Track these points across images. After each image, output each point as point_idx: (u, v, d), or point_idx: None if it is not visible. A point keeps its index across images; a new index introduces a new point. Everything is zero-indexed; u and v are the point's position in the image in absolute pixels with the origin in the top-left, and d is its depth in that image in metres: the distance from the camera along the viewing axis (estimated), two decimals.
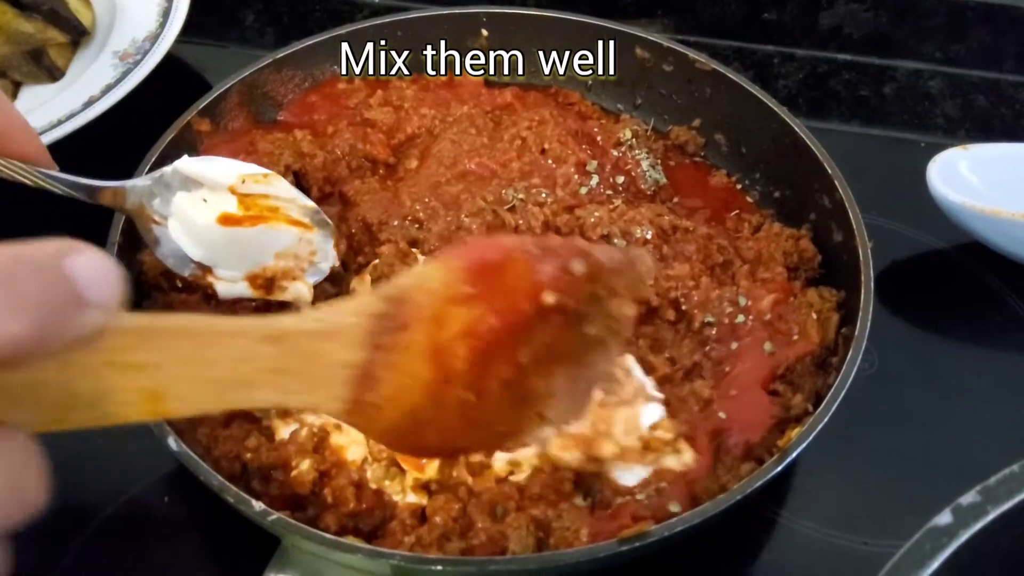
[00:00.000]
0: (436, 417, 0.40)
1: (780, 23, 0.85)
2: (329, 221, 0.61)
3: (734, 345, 0.59)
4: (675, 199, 0.70)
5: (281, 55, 0.72)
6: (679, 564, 0.56)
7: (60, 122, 0.69)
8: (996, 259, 0.70)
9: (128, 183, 0.56)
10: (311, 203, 0.60)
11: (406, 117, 0.72)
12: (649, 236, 0.64)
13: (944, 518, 0.33)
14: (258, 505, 0.47)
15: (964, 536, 0.33)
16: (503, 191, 0.67)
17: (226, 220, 0.57)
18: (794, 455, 0.50)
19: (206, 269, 0.58)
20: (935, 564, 0.32)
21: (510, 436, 0.44)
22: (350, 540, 0.47)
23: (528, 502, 0.50)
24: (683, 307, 0.61)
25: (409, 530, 0.49)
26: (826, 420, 0.51)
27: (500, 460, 0.53)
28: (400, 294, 0.39)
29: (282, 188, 0.59)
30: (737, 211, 0.69)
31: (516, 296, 0.42)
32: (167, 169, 0.57)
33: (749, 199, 0.71)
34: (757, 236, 0.66)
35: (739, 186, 0.71)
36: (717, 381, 0.58)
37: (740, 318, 0.60)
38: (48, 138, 0.67)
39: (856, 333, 0.55)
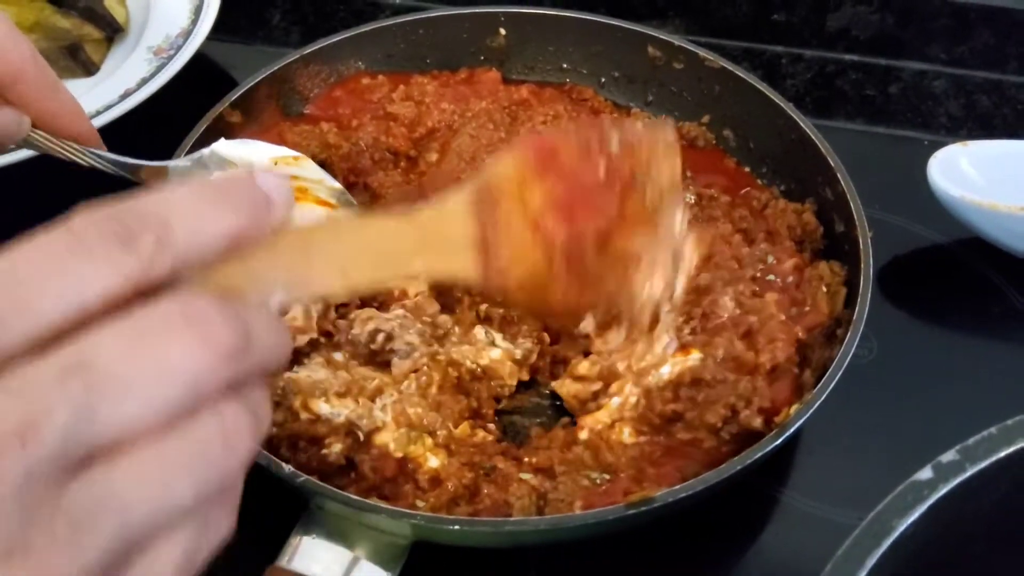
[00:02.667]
0: (557, 277, 0.49)
1: (789, 24, 0.88)
2: (354, 201, 0.65)
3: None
4: (688, 176, 0.73)
5: (308, 51, 0.75)
6: (682, 541, 0.59)
7: (99, 112, 0.73)
8: (995, 253, 0.73)
9: (170, 163, 0.60)
10: (338, 184, 0.64)
11: (427, 111, 0.75)
12: None
13: (925, 473, 0.36)
14: (287, 468, 0.50)
15: (944, 489, 0.36)
16: None
17: None
18: (791, 431, 0.52)
19: None
20: (915, 515, 0.35)
21: (621, 291, 0.53)
22: (374, 501, 0.50)
23: (527, 468, 0.53)
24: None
25: (420, 494, 0.52)
26: (823, 399, 0.54)
27: None
28: (483, 182, 0.48)
29: (311, 170, 0.63)
30: (747, 189, 0.72)
31: (576, 170, 0.51)
32: (205, 151, 0.61)
33: (758, 181, 0.73)
34: (765, 213, 0.69)
35: (747, 169, 0.74)
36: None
37: (771, 276, 0.63)
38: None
39: (855, 316, 0.58)
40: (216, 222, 0.31)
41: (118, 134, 0.72)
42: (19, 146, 0.54)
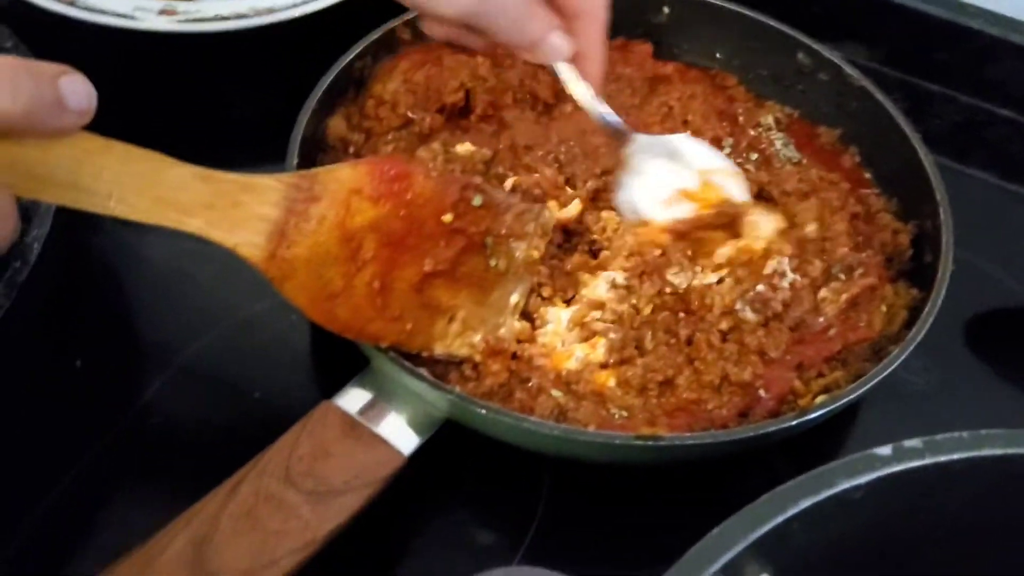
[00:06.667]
0: (345, 293, 0.51)
1: (948, 65, 0.88)
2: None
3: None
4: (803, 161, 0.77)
5: None
6: (694, 504, 0.61)
7: (295, 5, 0.82)
8: None
9: (640, 136, 0.68)
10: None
11: None
12: (794, 188, 0.72)
13: (884, 450, 0.39)
14: None
15: (897, 468, 0.39)
16: None
17: (685, 195, 0.67)
18: (811, 416, 0.55)
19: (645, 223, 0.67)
20: (863, 479, 0.38)
21: (419, 335, 0.56)
22: (423, 371, 0.57)
23: (556, 384, 0.59)
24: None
25: (463, 382, 0.59)
26: (850, 398, 0.56)
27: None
28: (312, 174, 0.50)
29: (735, 190, 0.68)
30: (867, 191, 0.74)
31: (418, 209, 0.53)
32: (664, 137, 0.69)
33: (876, 188, 0.75)
34: (875, 218, 0.71)
35: (867, 175, 0.76)
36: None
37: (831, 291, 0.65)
38: (271, 18, 0.81)
39: (908, 336, 0.60)
40: None
41: (295, 32, 0.82)
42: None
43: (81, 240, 0.70)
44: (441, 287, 0.57)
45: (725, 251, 0.64)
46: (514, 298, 0.62)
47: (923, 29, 0.88)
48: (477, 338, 0.60)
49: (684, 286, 0.63)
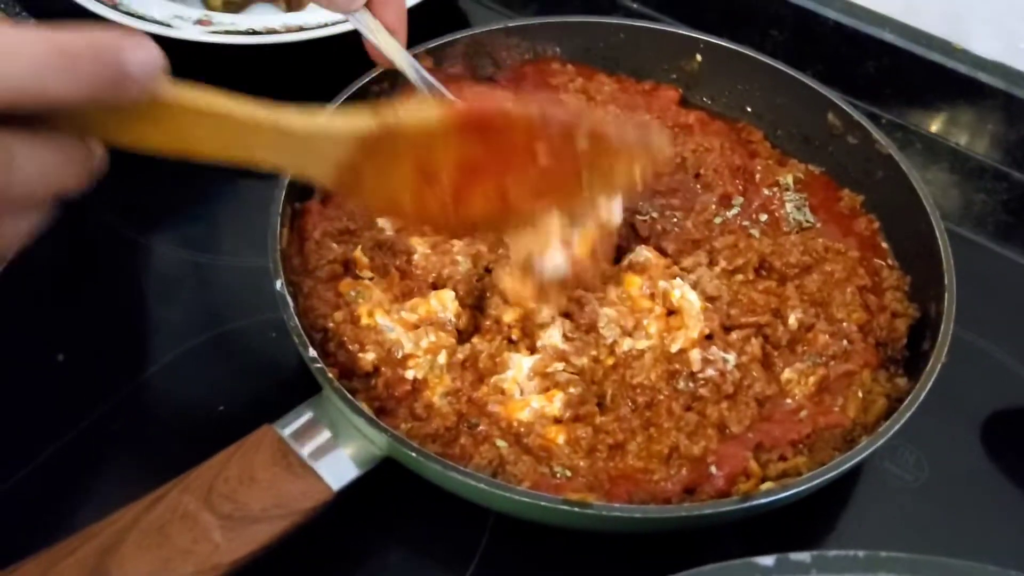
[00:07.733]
0: (415, 203, 0.51)
1: (1006, 140, 0.83)
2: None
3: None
4: (817, 225, 0.74)
5: (512, 25, 0.81)
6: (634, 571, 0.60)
7: (324, 25, 0.84)
8: None
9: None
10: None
11: (592, 108, 0.79)
12: (797, 260, 0.69)
13: (767, 560, 0.37)
14: (312, 351, 0.58)
15: None
16: (640, 203, 0.72)
17: None
18: (754, 503, 0.52)
19: None
20: None
21: (485, 231, 0.57)
22: (363, 406, 0.56)
23: (504, 433, 0.57)
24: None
25: (409, 420, 0.58)
26: (798, 489, 0.53)
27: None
28: (394, 126, 0.48)
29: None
30: (882, 262, 0.70)
31: (512, 153, 0.50)
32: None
33: (889, 260, 0.71)
34: (885, 293, 0.68)
35: (884, 245, 0.72)
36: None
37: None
38: (301, 35, 0.82)
39: (883, 427, 0.56)
40: (53, 90, 0.35)
41: (322, 51, 0.83)
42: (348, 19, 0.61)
43: (77, 237, 0.72)
44: (521, 199, 0.53)
45: (654, 325, 0.61)
46: (603, 202, 0.58)
47: (978, 97, 0.83)
48: (556, 222, 0.56)
49: (612, 340, 0.61)
